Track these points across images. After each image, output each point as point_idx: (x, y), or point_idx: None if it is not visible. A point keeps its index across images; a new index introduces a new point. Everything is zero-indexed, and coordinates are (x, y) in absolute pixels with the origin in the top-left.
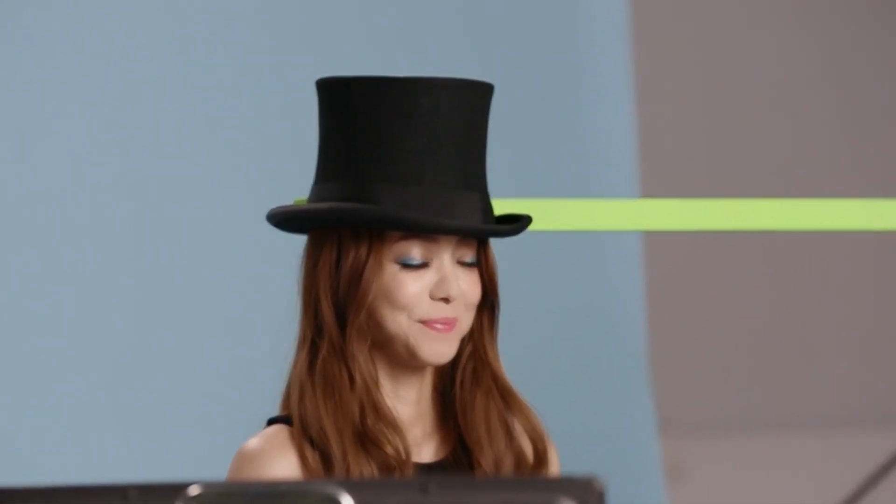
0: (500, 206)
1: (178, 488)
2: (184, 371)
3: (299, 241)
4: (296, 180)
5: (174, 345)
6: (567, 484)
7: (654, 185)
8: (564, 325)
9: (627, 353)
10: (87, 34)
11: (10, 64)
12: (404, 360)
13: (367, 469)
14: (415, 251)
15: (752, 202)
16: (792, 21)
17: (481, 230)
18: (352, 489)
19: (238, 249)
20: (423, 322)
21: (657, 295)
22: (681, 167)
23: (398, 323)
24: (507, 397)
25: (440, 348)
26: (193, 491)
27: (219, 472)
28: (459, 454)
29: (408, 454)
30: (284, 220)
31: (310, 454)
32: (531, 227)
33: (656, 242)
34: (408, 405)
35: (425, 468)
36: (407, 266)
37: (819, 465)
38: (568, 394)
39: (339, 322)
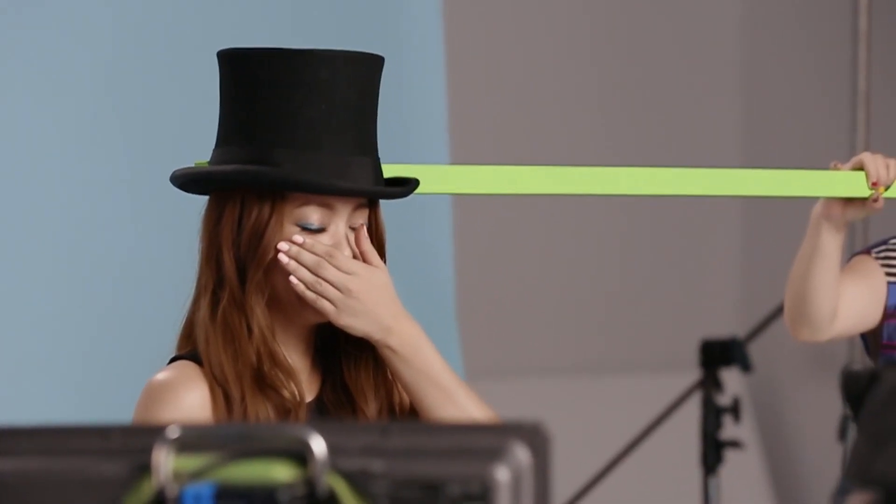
0: None
1: (158, 430)
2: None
3: (193, 201)
4: (188, 145)
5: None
6: (518, 430)
7: (462, 153)
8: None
9: (438, 306)
10: None
11: None
12: (293, 316)
13: (262, 410)
14: (313, 216)
15: (548, 169)
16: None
17: (374, 192)
18: (321, 432)
19: (140, 209)
20: None
21: (464, 255)
22: (485, 137)
23: (288, 281)
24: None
25: (323, 315)
26: (172, 433)
27: (125, 410)
28: (335, 393)
29: (302, 397)
30: (190, 181)
31: (217, 390)
32: None
33: (464, 204)
34: (297, 354)
35: (308, 407)
36: (305, 230)
37: (603, 408)
38: None
39: (239, 276)
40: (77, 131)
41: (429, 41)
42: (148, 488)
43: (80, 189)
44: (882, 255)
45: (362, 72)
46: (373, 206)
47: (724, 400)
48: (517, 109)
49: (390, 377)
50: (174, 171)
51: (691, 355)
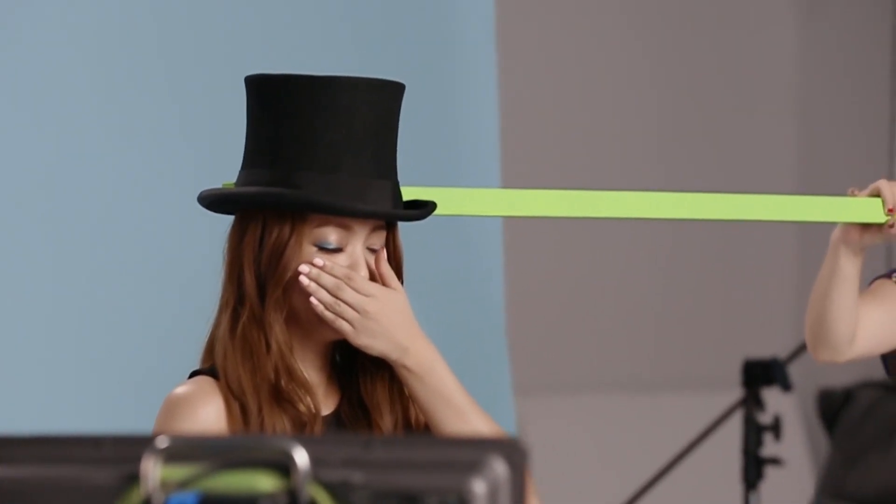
0: None
1: (148, 440)
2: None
3: (222, 220)
4: (219, 167)
5: (110, 307)
6: (496, 444)
7: (513, 178)
8: (434, 301)
9: (488, 324)
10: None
11: None
12: (311, 332)
13: (279, 423)
14: (332, 236)
15: (597, 193)
16: (648, 19)
17: (392, 214)
18: (304, 444)
19: (171, 225)
20: None
21: (515, 274)
22: (537, 162)
23: (305, 299)
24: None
25: (339, 333)
26: (161, 443)
27: (147, 421)
28: (352, 407)
29: (318, 411)
30: (216, 202)
31: (233, 404)
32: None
33: (515, 227)
34: (314, 369)
35: (324, 420)
36: (323, 249)
37: (647, 424)
38: None
39: (259, 293)
40: (112, 150)
41: (481, 64)
42: (137, 497)
43: (112, 204)
44: None
45: (382, 97)
46: (391, 228)
47: (765, 418)
48: (571, 133)
49: (406, 393)
50: (201, 192)
51: (735, 375)
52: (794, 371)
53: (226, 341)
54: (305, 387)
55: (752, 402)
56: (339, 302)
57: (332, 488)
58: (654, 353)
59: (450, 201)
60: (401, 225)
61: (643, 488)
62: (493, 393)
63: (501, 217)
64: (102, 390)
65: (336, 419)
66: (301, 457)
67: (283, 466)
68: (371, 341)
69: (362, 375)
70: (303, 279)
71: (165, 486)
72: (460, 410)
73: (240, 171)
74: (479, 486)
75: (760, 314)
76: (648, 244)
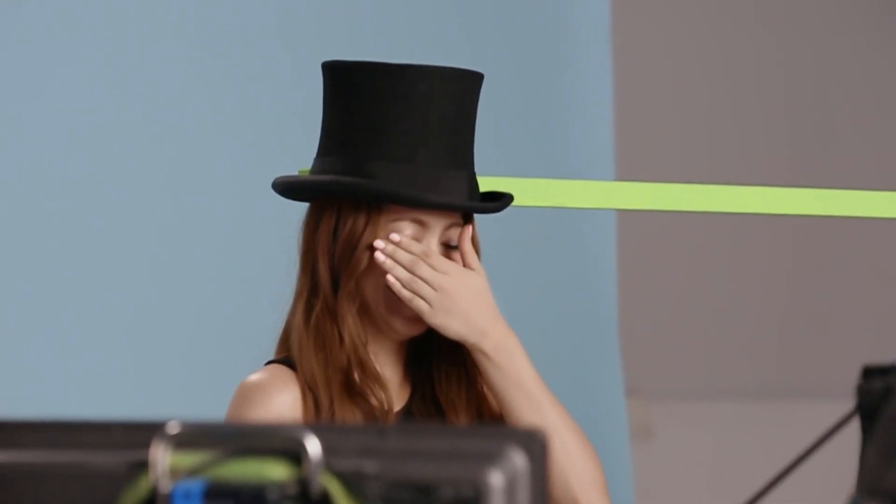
0: (487, 184)
1: (158, 426)
2: (192, 316)
3: (297, 206)
4: (298, 152)
5: (185, 293)
6: (515, 434)
7: (627, 169)
8: (541, 297)
9: (599, 323)
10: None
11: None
12: (384, 326)
13: (350, 416)
14: (406, 231)
15: (715, 188)
16: (762, 14)
17: (467, 206)
18: (316, 432)
19: (246, 212)
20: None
21: (628, 270)
22: (652, 153)
23: (378, 293)
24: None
25: (412, 327)
26: (172, 429)
27: (220, 409)
28: (425, 403)
29: (390, 405)
30: (289, 189)
31: (308, 395)
32: (515, 204)
33: (629, 221)
34: (387, 364)
35: (396, 415)
36: None
37: (772, 430)
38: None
39: (332, 284)
40: (186, 135)
41: (596, 55)
42: (146, 484)
43: (186, 191)
44: None
45: (460, 86)
46: (467, 223)
47: None
48: (686, 126)
49: (480, 387)
50: (276, 179)
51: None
52: None
53: (300, 331)
54: (378, 381)
55: None
56: (415, 279)
57: (344, 478)
58: (777, 358)
59: (561, 193)
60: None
61: (756, 496)
62: (604, 396)
63: (615, 211)
64: (175, 382)
65: (406, 415)
66: (313, 445)
67: (295, 455)
68: (448, 320)
69: (437, 373)
70: (378, 255)
71: (175, 473)
72: (536, 401)
73: (315, 159)
74: (496, 478)
75: (888, 318)
76: (771, 243)
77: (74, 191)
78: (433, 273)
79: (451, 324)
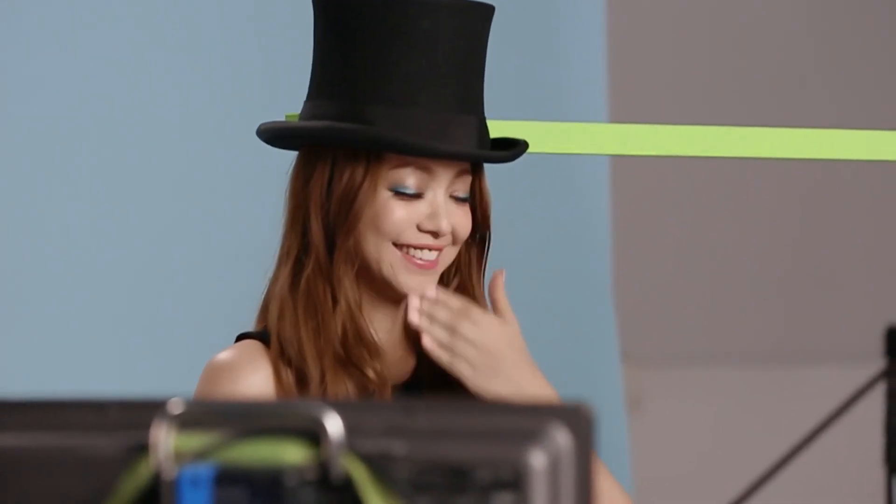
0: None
1: (159, 405)
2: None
3: (285, 156)
4: (286, 95)
5: (157, 260)
6: (559, 410)
7: (622, 112)
8: (533, 253)
9: (593, 283)
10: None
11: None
12: (383, 288)
13: (343, 390)
14: (410, 180)
15: (716, 129)
16: None
17: (477, 155)
18: (337, 409)
19: (226, 163)
20: (406, 250)
21: (623, 220)
22: (647, 95)
23: (380, 250)
24: None
25: (418, 281)
26: (175, 407)
27: (189, 386)
28: (429, 374)
29: (386, 378)
30: (276, 136)
31: (284, 371)
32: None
33: (623, 169)
34: (383, 332)
35: (395, 388)
36: (400, 194)
37: (773, 398)
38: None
39: (327, 243)
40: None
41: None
42: (146, 469)
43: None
44: None
45: (468, 22)
46: (477, 171)
47: None
48: (681, 66)
49: None
50: (261, 125)
51: (877, 344)
52: None
53: (284, 298)
54: (374, 350)
55: (895, 373)
56: (457, 341)
57: (369, 460)
58: (785, 320)
59: (551, 137)
60: (490, 171)
61: (774, 467)
62: (598, 362)
63: (609, 156)
64: (146, 355)
65: (415, 386)
66: (334, 424)
67: (314, 435)
68: (490, 383)
69: None
70: (412, 315)
71: (179, 456)
72: None
73: (304, 103)
74: (537, 459)
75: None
76: (778, 195)
77: (57, 160)
78: (475, 330)
79: (493, 386)
